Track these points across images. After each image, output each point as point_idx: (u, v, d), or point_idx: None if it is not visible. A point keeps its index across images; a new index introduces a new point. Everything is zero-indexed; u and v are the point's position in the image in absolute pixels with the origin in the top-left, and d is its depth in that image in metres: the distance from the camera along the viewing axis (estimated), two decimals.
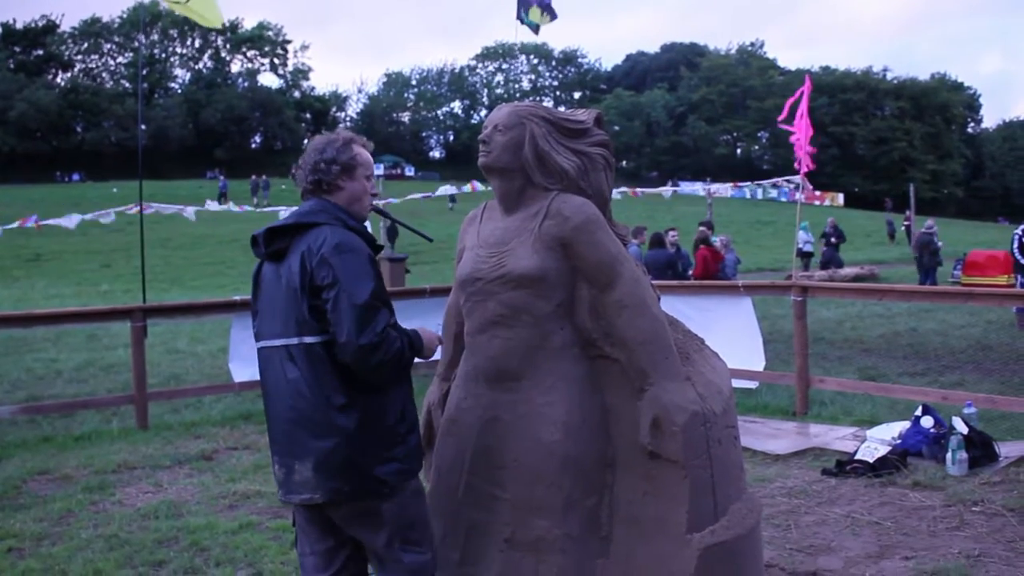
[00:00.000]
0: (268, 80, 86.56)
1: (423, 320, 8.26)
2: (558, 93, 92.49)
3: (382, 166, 56.83)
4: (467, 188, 17.98)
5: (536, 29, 13.85)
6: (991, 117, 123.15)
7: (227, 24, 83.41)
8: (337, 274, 2.95)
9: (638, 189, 25.85)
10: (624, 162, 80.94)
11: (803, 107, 12.77)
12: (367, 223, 3.26)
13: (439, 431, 3.51)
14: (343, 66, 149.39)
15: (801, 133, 12.91)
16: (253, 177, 49.86)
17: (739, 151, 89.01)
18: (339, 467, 2.99)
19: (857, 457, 6.40)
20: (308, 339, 3.02)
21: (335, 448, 2.98)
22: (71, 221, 13.87)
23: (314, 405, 3.00)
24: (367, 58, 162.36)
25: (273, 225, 3.17)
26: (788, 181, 23.58)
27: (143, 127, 19.02)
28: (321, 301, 2.99)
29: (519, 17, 13.29)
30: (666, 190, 27.25)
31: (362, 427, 2.99)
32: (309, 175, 3.20)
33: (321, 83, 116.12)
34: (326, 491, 3.02)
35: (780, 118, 13.43)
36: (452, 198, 38.87)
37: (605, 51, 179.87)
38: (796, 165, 13.45)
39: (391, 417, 3.05)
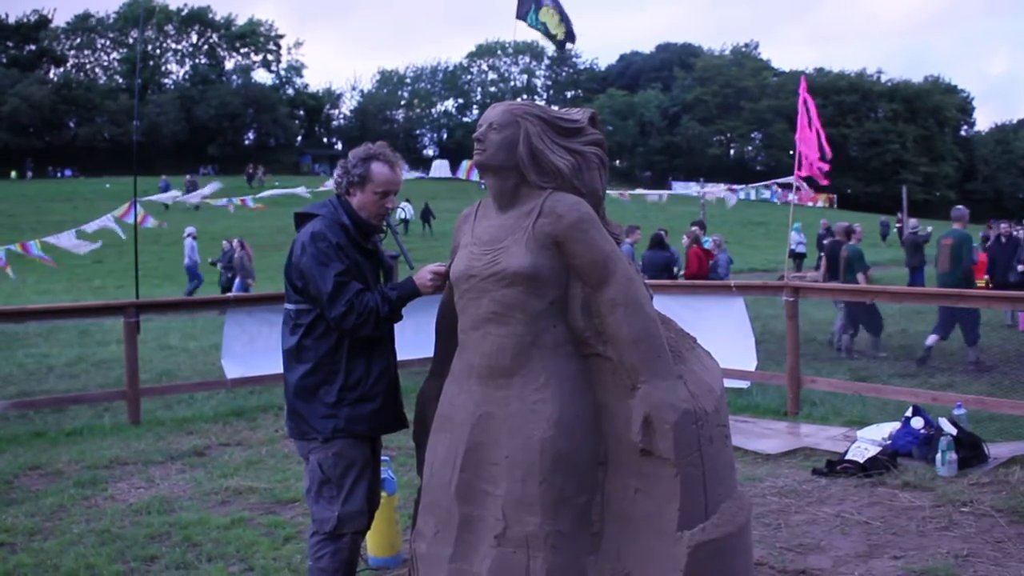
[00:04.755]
0: (262, 77, 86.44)
1: (415, 318, 8.28)
2: (551, 92, 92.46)
3: None
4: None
5: (554, 40, 12.88)
6: (999, 118, 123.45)
7: (223, 19, 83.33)
8: (311, 260, 3.62)
9: (627, 192, 25.80)
10: (617, 162, 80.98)
11: (802, 109, 12.75)
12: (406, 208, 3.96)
13: (432, 427, 3.52)
14: (343, 61, 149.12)
15: (802, 136, 12.84)
16: (188, 177, 49.32)
17: (732, 152, 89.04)
18: (291, 410, 3.79)
19: (847, 457, 6.44)
20: (287, 305, 3.81)
21: (290, 393, 3.76)
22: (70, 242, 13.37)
23: (286, 357, 3.79)
24: (365, 54, 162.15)
25: (296, 212, 3.90)
26: (781, 185, 23.61)
27: (136, 123, 19.04)
28: (300, 280, 3.70)
29: (520, 17, 12.82)
30: (657, 193, 27.19)
31: (306, 381, 3.71)
32: (335, 177, 3.90)
33: (316, 80, 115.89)
34: (288, 427, 3.86)
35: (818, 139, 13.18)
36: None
37: (599, 50, 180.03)
38: (798, 172, 13.33)
39: (340, 381, 3.69)
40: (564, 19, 12.43)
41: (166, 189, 42.93)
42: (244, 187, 51.11)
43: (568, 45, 12.71)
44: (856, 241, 13.50)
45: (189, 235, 21.94)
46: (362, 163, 3.77)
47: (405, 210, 34.07)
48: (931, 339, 11.21)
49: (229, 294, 15.58)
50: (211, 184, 19.15)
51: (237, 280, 20.24)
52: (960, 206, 12.45)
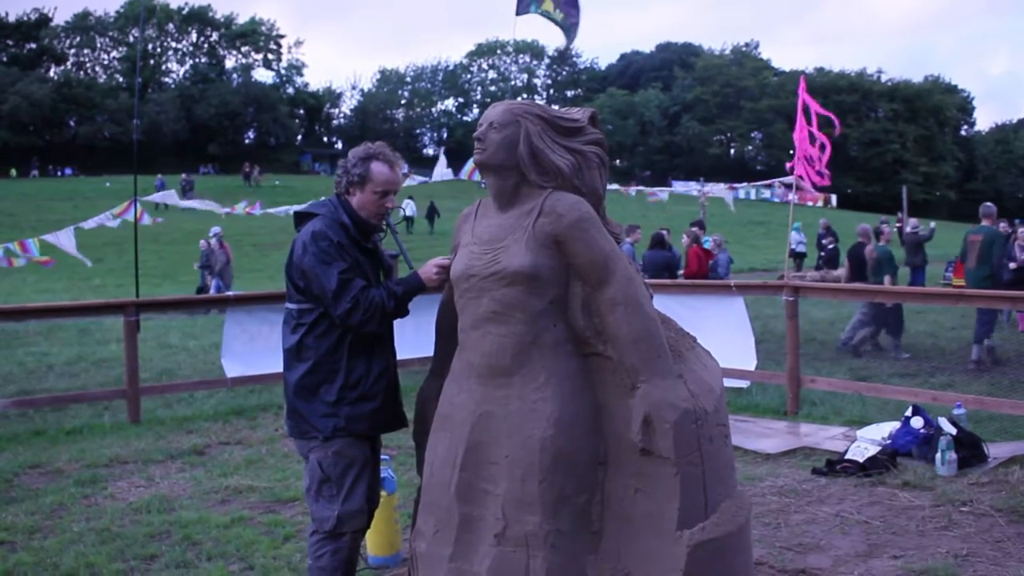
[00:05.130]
0: (262, 76, 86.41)
1: (416, 317, 8.25)
2: (552, 91, 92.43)
3: None
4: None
5: (560, 25, 12.58)
6: (999, 118, 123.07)
7: (224, 18, 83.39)
8: (313, 260, 3.62)
9: (632, 189, 25.72)
10: (617, 161, 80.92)
11: (801, 110, 12.75)
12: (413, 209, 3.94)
13: (432, 426, 3.52)
14: (343, 60, 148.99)
15: (801, 136, 12.82)
16: (184, 176, 48.72)
17: (732, 151, 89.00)
18: (291, 408, 3.78)
19: (847, 457, 6.44)
20: (288, 305, 3.81)
21: (290, 392, 3.76)
22: (69, 238, 13.38)
23: (286, 356, 3.79)
24: (365, 54, 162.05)
25: (296, 210, 3.95)
26: (783, 183, 23.58)
27: (137, 121, 19.06)
28: (302, 280, 3.69)
29: (523, 11, 12.59)
30: (662, 191, 27.09)
31: (306, 380, 3.70)
32: (335, 176, 3.89)
33: (316, 79, 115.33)
34: (287, 426, 3.86)
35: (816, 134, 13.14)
36: None
37: (600, 50, 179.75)
38: (798, 171, 13.31)
39: (341, 380, 3.69)
40: (568, 7, 12.22)
41: (162, 187, 42.76)
42: (241, 186, 51.15)
43: (570, 41, 12.52)
44: (884, 242, 13.49)
45: (215, 235, 21.76)
46: (362, 163, 3.77)
47: (408, 207, 34.05)
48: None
49: (229, 293, 15.58)
50: (199, 200, 19.21)
51: (214, 280, 20.19)
52: (988, 203, 12.41)
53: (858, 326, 12.21)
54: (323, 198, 3.91)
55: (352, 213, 3.77)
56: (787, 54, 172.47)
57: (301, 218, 3.86)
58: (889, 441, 6.68)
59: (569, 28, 12.34)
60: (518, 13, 12.47)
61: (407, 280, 3.75)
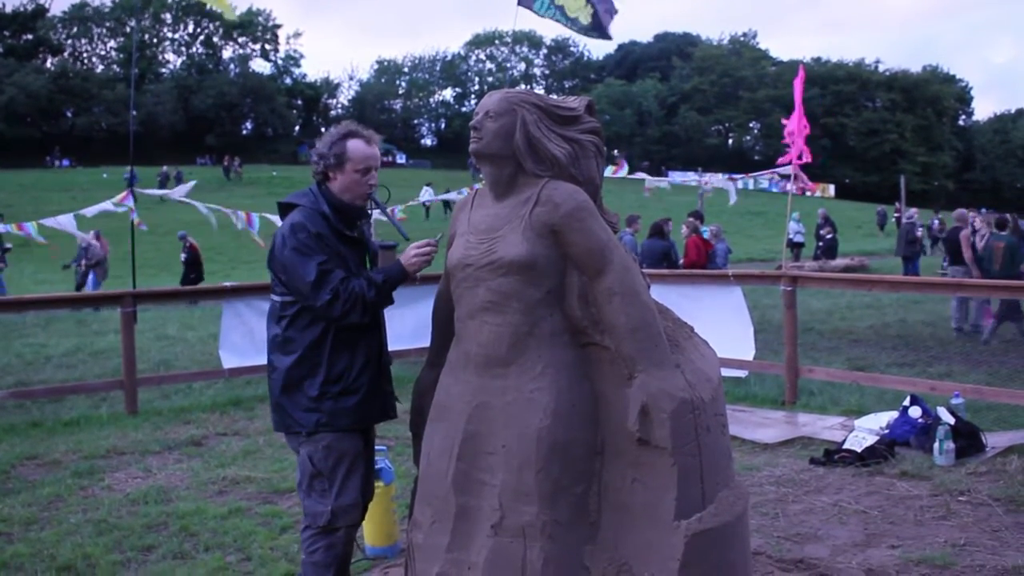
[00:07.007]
0: (259, 66, 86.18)
1: (413, 307, 8.26)
2: (549, 81, 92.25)
3: None
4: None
5: (575, 25, 11.76)
6: (1003, 107, 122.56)
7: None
8: (292, 252, 3.55)
9: (636, 174, 25.62)
10: (615, 151, 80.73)
11: (797, 98, 12.77)
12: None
13: (429, 417, 3.51)
14: (341, 50, 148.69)
15: (795, 125, 12.88)
16: (164, 169, 47.42)
17: (731, 141, 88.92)
18: (274, 403, 3.73)
19: (845, 446, 6.44)
20: (273, 296, 3.74)
21: (275, 385, 3.69)
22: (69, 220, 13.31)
23: (271, 348, 3.74)
24: (363, 44, 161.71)
25: (279, 201, 3.83)
26: (779, 174, 23.56)
27: (133, 113, 19.02)
28: (283, 273, 3.61)
29: (526, 4, 12.17)
30: (661, 180, 26.98)
31: (291, 374, 3.63)
32: (312, 165, 3.76)
33: (313, 69, 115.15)
34: (273, 420, 3.80)
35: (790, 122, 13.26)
36: None
37: (597, 40, 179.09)
38: (790, 159, 13.35)
39: (322, 374, 3.62)
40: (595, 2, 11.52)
41: (132, 181, 42.11)
42: (223, 179, 50.97)
43: (602, 35, 11.76)
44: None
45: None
46: (337, 143, 3.68)
47: (427, 192, 34.08)
48: None
49: (226, 283, 15.56)
50: (185, 184, 19.01)
51: (91, 274, 20.00)
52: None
53: (955, 312, 12.41)
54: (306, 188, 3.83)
55: (333, 201, 3.68)
56: (794, 43, 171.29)
57: (285, 209, 3.78)
58: (887, 431, 6.68)
59: (589, 28, 11.69)
60: (520, 3, 12.12)
61: (388, 269, 3.68)
